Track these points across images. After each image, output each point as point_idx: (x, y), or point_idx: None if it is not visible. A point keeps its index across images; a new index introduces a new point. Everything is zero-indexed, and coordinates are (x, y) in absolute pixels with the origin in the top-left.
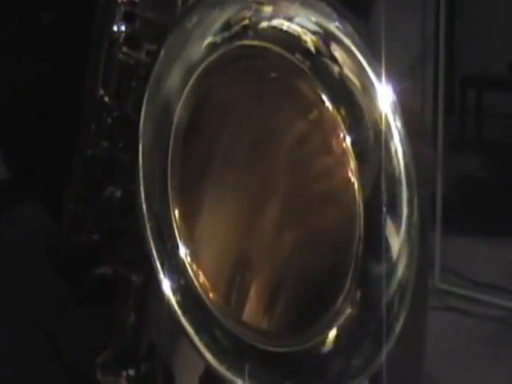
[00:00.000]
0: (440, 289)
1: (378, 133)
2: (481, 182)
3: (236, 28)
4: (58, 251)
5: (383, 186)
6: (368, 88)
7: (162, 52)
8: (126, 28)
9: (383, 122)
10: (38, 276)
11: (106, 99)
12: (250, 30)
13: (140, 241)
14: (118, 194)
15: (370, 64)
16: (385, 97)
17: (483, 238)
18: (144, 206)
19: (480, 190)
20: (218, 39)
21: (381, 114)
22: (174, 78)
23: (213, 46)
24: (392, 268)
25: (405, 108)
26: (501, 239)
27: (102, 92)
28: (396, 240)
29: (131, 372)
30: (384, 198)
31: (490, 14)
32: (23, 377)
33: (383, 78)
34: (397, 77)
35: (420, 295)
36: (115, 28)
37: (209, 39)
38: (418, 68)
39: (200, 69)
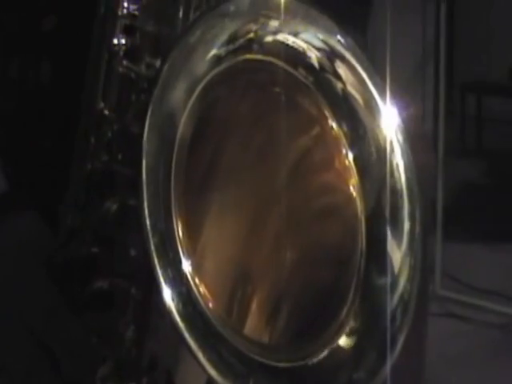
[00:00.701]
0: (440, 295)
1: (379, 149)
2: (481, 189)
3: (241, 41)
4: (55, 263)
5: (385, 201)
6: (371, 105)
7: (166, 66)
8: (125, 41)
9: (386, 140)
10: (34, 286)
11: (106, 112)
12: (254, 43)
13: (141, 254)
14: (117, 206)
15: (372, 81)
16: (389, 119)
17: (483, 244)
18: (148, 222)
19: (480, 197)
20: (223, 52)
21: (383, 132)
22: (177, 93)
23: (217, 59)
24: (394, 281)
25: (408, 125)
26: (501, 245)
27: (101, 105)
28: (398, 253)
29: None
30: (386, 212)
31: (489, 20)
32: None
33: (387, 99)
34: (399, 91)
35: (420, 301)
36: (115, 41)
37: (213, 52)
38: (418, 74)
39: (204, 82)
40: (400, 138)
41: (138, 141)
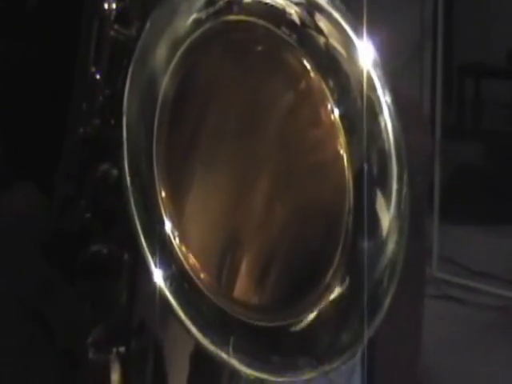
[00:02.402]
0: (437, 278)
1: (366, 104)
2: (479, 171)
3: (220, 3)
4: (49, 230)
5: (372, 159)
6: (353, 55)
7: (148, 25)
8: (116, 5)
9: (365, 78)
10: (25, 255)
11: (98, 77)
12: (234, 4)
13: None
14: (110, 172)
15: (354, 31)
16: (366, 53)
17: (481, 227)
18: (128, 180)
19: (478, 179)
20: (203, 15)
21: (366, 77)
22: (160, 52)
23: (198, 22)
24: (382, 243)
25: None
26: (498, 228)
27: (93, 69)
28: (386, 214)
29: (121, 349)
30: (373, 172)
31: (488, 3)
32: (12, 355)
33: (364, 35)
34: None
35: (417, 284)
36: (106, 5)
37: (194, 15)
38: (416, 56)
39: (186, 43)
40: (388, 98)
41: (120, 103)
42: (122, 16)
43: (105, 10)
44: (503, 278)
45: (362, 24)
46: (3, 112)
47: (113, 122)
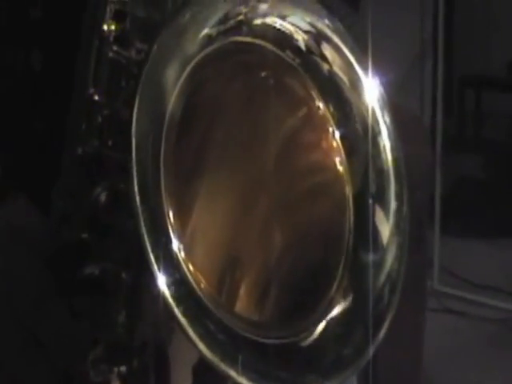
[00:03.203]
0: (438, 290)
1: (366, 127)
2: (480, 183)
3: (231, 23)
4: (46, 246)
5: (371, 179)
6: (356, 84)
7: (155, 48)
8: (115, 27)
9: (370, 115)
10: (23, 272)
11: (97, 97)
12: (244, 25)
13: (131, 237)
14: (108, 191)
15: (358, 61)
16: (371, 90)
17: (482, 239)
18: (138, 200)
19: (479, 191)
20: (214, 32)
21: (369, 111)
22: (167, 73)
23: (208, 39)
24: (381, 258)
25: (393, 102)
26: (499, 241)
27: (92, 90)
28: (385, 231)
29: (123, 369)
30: (372, 191)
31: (489, 14)
32: (5, 371)
33: (370, 71)
34: (387, 71)
35: (419, 296)
36: (105, 27)
37: (205, 31)
38: (416, 68)
39: (193, 62)
40: (387, 119)
41: (128, 126)
42: (121, 37)
43: (104, 31)
44: (504, 291)
45: (366, 53)
46: (2, 126)
47: (111, 142)
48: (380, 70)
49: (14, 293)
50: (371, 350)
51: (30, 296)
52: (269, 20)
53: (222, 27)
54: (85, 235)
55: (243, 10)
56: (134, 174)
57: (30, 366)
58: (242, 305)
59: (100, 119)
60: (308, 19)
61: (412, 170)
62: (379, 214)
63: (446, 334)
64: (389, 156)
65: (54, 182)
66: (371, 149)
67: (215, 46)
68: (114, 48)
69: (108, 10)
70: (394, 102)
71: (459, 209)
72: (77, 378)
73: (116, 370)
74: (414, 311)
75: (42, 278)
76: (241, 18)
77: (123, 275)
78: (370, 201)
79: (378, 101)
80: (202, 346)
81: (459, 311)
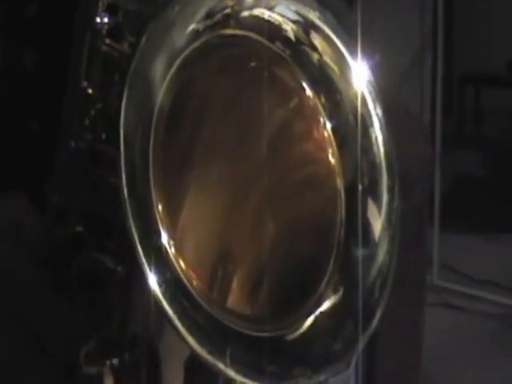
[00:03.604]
0: (438, 286)
1: (357, 118)
2: (479, 180)
3: (218, 16)
4: (41, 241)
5: (363, 171)
6: (346, 73)
7: (144, 40)
8: (108, 20)
9: (360, 102)
10: (19, 267)
11: (90, 91)
12: (231, 18)
13: (124, 231)
14: (102, 185)
15: (350, 52)
16: (361, 77)
17: (481, 235)
18: (126, 192)
19: (478, 188)
20: (201, 27)
21: (358, 97)
22: (156, 66)
23: (195, 34)
24: (373, 252)
25: (392, 99)
26: (499, 236)
27: (85, 84)
28: (377, 225)
29: (115, 361)
30: (364, 183)
31: (488, 11)
32: (5, 367)
33: (359, 59)
34: (385, 67)
35: (418, 292)
36: (98, 20)
37: (192, 26)
38: (416, 65)
39: (182, 56)
40: (379, 111)
41: (117, 118)
42: (114, 30)
43: (97, 24)
44: (504, 286)
45: (356, 41)
46: None
47: (104, 136)
48: (378, 66)
49: (12, 289)
50: (360, 344)
51: (28, 292)
52: (256, 11)
53: (208, 21)
54: (79, 229)
55: (229, 2)
56: (122, 167)
57: (28, 361)
58: (233, 299)
59: (93, 113)
60: (295, 8)
61: (412, 166)
62: (371, 208)
63: (446, 329)
64: (381, 149)
65: (47, 175)
66: (363, 141)
67: (202, 39)
68: (107, 41)
69: (100, 3)
70: (392, 100)
71: (458, 205)
72: (71, 372)
73: (108, 362)
74: (413, 306)
75: (39, 274)
76: (228, 11)
77: (118, 269)
78: (361, 193)
79: (370, 93)
80: (190, 340)
81: (459, 306)
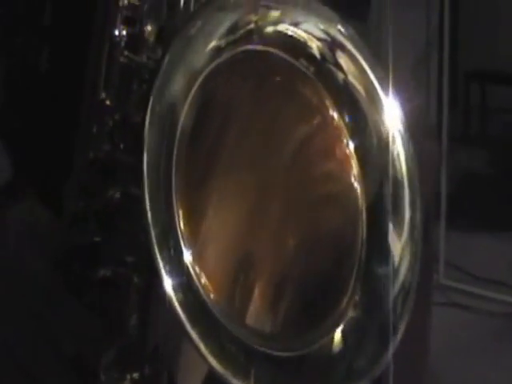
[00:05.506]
0: (444, 284)
1: (381, 139)
2: (485, 178)
3: (241, 32)
4: (57, 248)
5: (386, 191)
6: (372, 95)
7: (167, 58)
8: (127, 32)
9: (387, 130)
10: (36, 274)
11: (108, 102)
12: (255, 34)
13: (143, 243)
14: (119, 195)
15: (373, 71)
16: (391, 109)
17: (487, 233)
18: (149, 214)
19: (484, 186)
20: (223, 43)
21: (384, 122)
22: (178, 83)
23: (217, 50)
24: (395, 270)
25: (410, 116)
26: (505, 235)
27: (103, 95)
28: (398, 242)
29: (135, 375)
30: (387, 202)
31: (494, 9)
32: (22, 369)
33: (390, 89)
34: (401, 80)
35: (424, 291)
36: (116, 32)
37: (213, 43)
38: (421, 63)
39: (204, 73)
40: (401, 128)
41: (140, 134)
42: (132, 42)
43: (115, 36)
44: (510, 285)
45: (386, 70)
46: (15, 130)
47: (122, 146)
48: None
49: (27, 291)
50: (385, 361)
51: (43, 294)
52: (281, 27)
53: (231, 37)
54: (97, 238)
55: (253, 18)
56: (146, 187)
57: (43, 363)
58: (252, 316)
59: (111, 123)
60: (321, 26)
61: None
62: (392, 225)
63: (452, 328)
64: (403, 165)
65: (65, 181)
66: (385, 159)
67: (225, 56)
68: (125, 53)
69: (119, 15)
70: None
71: (465, 203)
72: (89, 375)
73: (128, 376)
74: (420, 305)
75: (53, 277)
76: (251, 26)
77: (135, 279)
78: (383, 212)
79: (397, 120)
80: (213, 361)
81: (465, 305)
